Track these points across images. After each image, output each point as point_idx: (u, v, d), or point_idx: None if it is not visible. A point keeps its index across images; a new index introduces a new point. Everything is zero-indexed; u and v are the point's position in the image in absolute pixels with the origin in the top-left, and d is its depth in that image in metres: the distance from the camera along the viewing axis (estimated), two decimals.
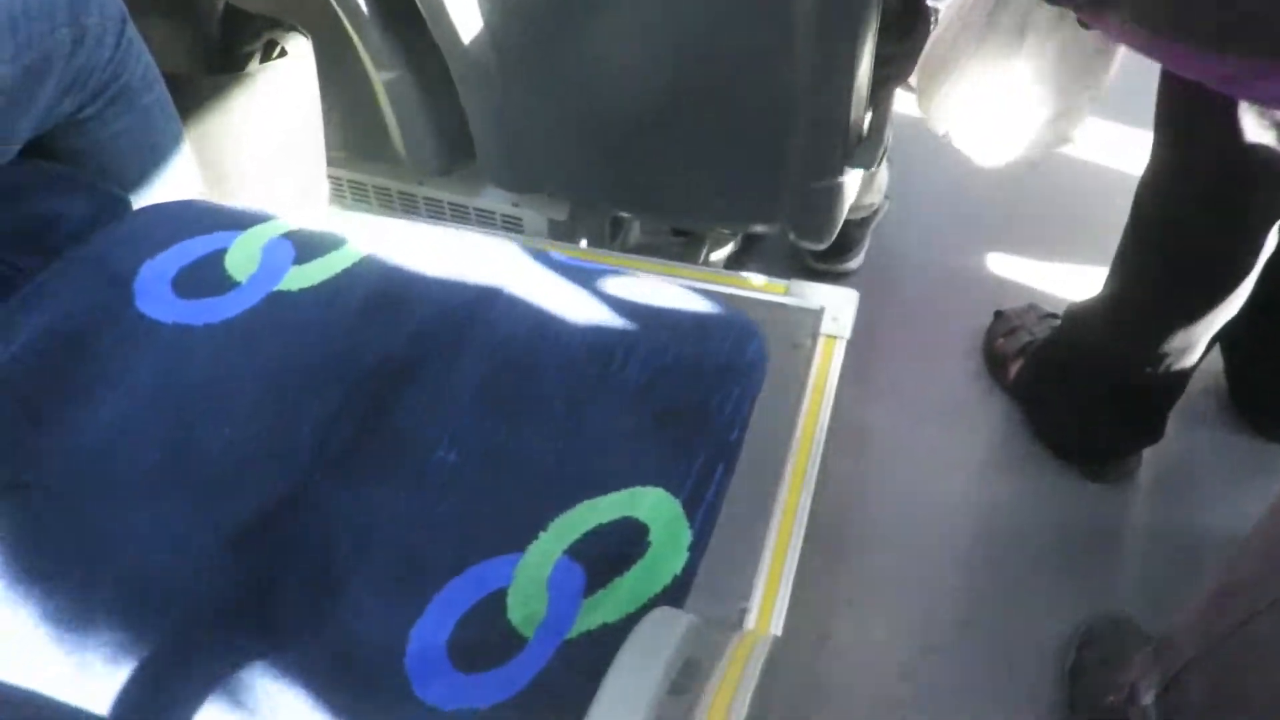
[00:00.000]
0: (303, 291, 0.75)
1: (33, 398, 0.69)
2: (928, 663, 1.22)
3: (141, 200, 0.87)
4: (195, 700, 0.61)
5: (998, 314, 1.50)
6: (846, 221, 1.54)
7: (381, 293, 0.74)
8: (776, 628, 0.86)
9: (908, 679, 1.22)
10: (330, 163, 1.23)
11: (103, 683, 0.61)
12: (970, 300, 1.56)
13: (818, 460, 1.00)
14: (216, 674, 0.61)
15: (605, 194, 1.21)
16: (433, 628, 0.62)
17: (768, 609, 0.90)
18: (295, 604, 0.63)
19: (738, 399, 0.68)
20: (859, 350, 1.09)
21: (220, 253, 0.77)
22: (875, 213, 1.59)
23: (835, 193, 1.09)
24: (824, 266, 1.59)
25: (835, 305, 1.12)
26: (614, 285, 0.77)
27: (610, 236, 1.40)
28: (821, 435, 1.01)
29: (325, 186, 1.21)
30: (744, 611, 0.87)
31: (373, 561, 0.64)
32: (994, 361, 1.46)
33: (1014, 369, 1.42)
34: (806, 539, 0.93)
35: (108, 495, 0.67)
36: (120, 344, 0.72)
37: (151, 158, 0.89)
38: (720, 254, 1.50)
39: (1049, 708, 1.15)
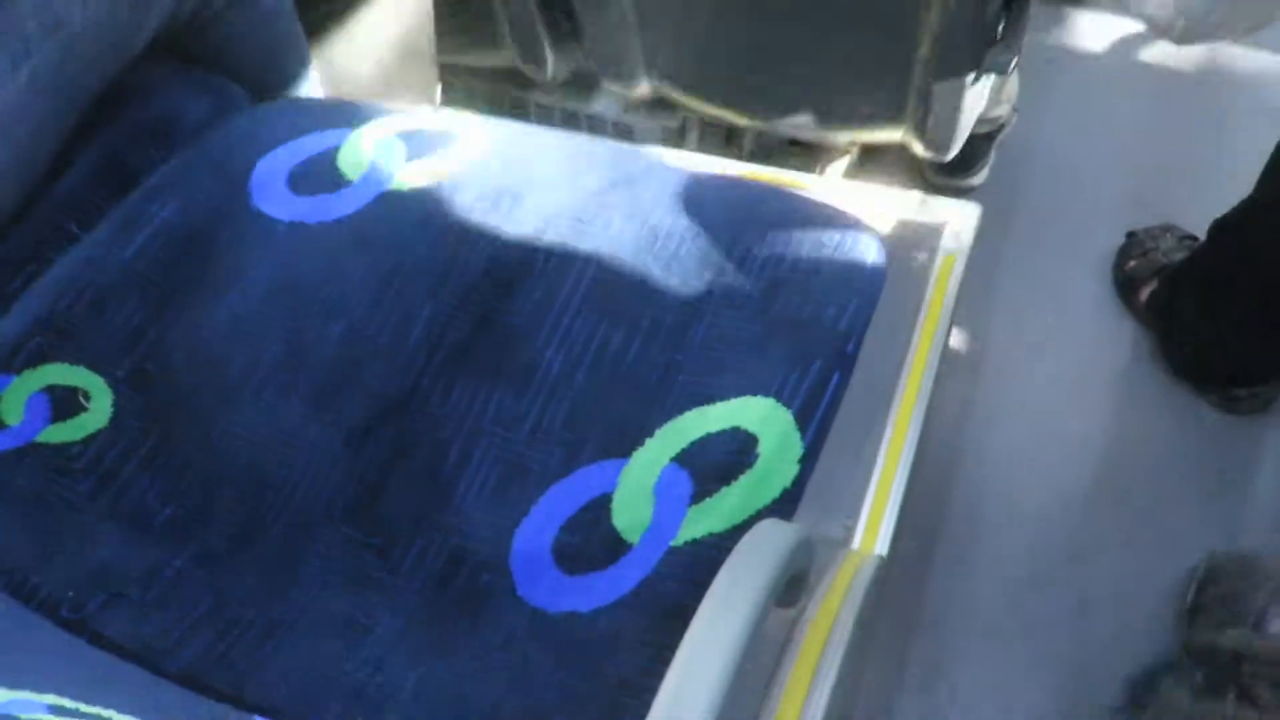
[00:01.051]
0: (414, 191, 0.74)
1: (156, 290, 0.71)
2: (1037, 595, 1.19)
3: (259, 98, 0.87)
4: (311, 591, 0.62)
5: (1130, 235, 1.42)
6: (971, 135, 1.48)
7: (493, 194, 0.73)
8: (882, 548, 0.84)
9: (1015, 611, 1.19)
10: (441, 69, 1.22)
11: (224, 573, 0.63)
12: (1100, 220, 1.48)
13: (931, 380, 0.96)
14: (331, 566, 0.63)
15: (722, 96, 1.17)
16: (537, 530, 0.62)
17: (874, 529, 0.88)
18: (405, 502, 0.64)
19: (855, 310, 0.65)
20: (980, 269, 1.04)
21: (333, 150, 0.77)
22: (1001, 126, 1.51)
23: (963, 100, 1.04)
24: (945, 182, 1.53)
25: (956, 220, 1.07)
26: (729, 192, 0.74)
27: (725, 144, 1.36)
28: (936, 355, 0.98)
29: (437, 90, 1.21)
30: (850, 529, 0.86)
31: (479, 462, 0.64)
32: (1124, 285, 1.39)
33: (1146, 293, 1.34)
34: (916, 460, 0.91)
35: (227, 390, 0.68)
36: (238, 240, 0.73)
37: (269, 57, 0.89)
38: (837, 167, 1.45)
39: (1164, 647, 1.11)
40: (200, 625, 0.60)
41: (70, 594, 0.60)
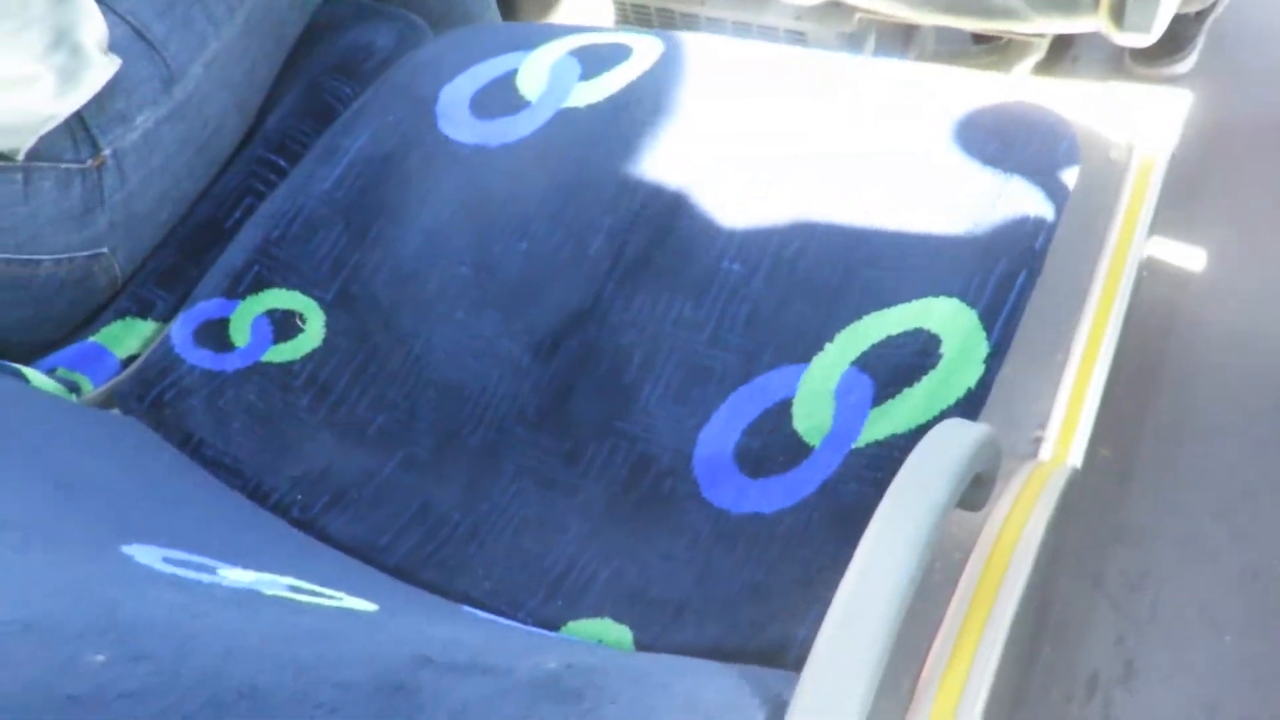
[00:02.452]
0: (590, 108, 0.76)
1: (356, 216, 0.76)
2: (1246, 505, 1.13)
3: (440, 29, 0.91)
4: (507, 495, 0.66)
5: None
6: (1177, 16, 1.36)
7: (668, 106, 0.74)
8: (1075, 459, 0.82)
9: (1222, 520, 1.13)
10: None
11: (429, 478, 0.68)
12: None
13: (1129, 286, 0.91)
14: (526, 468, 0.66)
15: None
16: (719, 434, 0.63)
17: (1066, 439, 0.85)
18: (592, 407, 0.67)
19: (1044, 206, 0.63)
20: (1187, 167, 0.97)
21: (511, 74, 0.79)
22: (1213, 5, 1.39)
23: None
24: (1148, 70, 1.42)
25: (1159, 111, 0.99)
26: (909, 88, 0.72)
27: (904, 46, 1.31)
28: (1135, 258, 0.92)
29: (610, 9, 1.21)
30: (1039, 441, 0.83)
31: (662, 369, 0.66)
32: None
33: None
34: (1113, 371, 0.87)
35: (424, 307, 0.73)
36: (427, 164, 0.77)
37: None
38: (1025, 65, 1.37)
39: None
40: (411, 525, 0.65)
41: (299, 497, 0.66)
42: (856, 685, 0.43)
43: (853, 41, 1.28)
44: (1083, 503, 1.07)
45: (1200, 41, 1.42)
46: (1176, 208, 1.08)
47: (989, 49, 1.35)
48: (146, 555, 0.41)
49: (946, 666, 0.60)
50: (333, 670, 0.29)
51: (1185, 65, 1.43)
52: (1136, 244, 0.93)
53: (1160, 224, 0.92)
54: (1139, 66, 1.42)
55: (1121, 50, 1.45)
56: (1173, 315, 1.26)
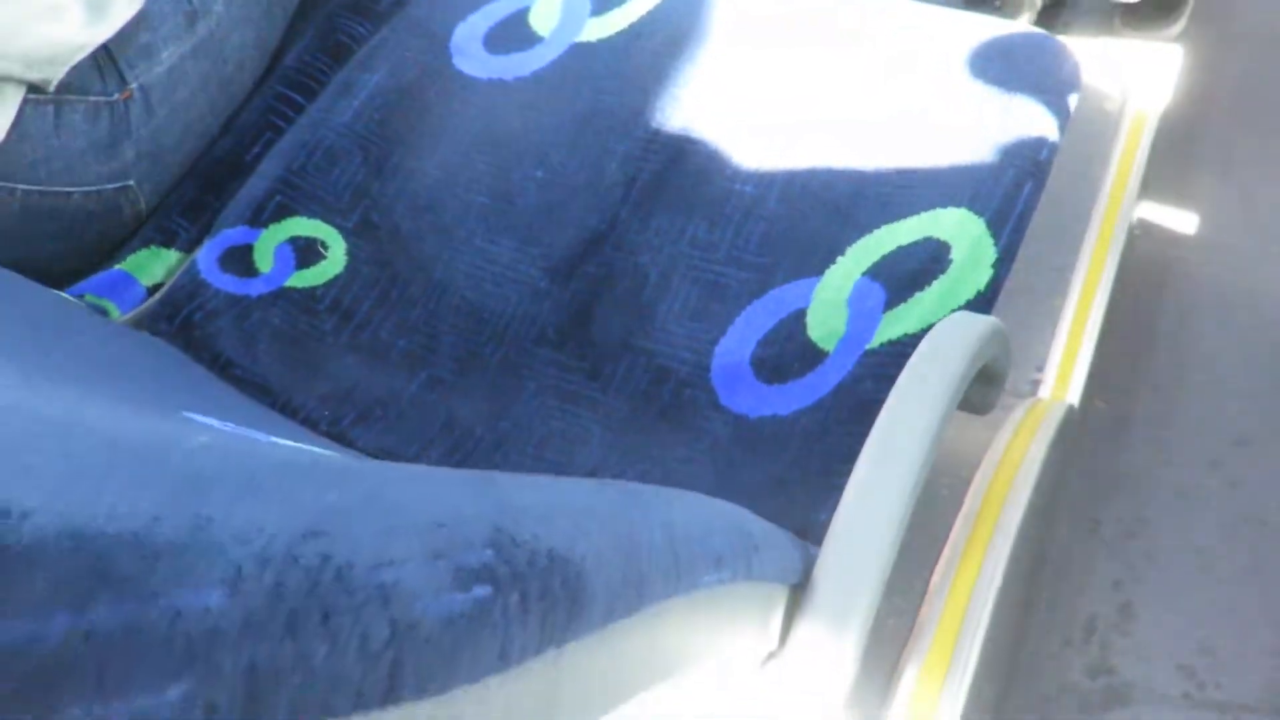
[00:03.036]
0: (601, 41, 0.78)
1: (375, 148, 0.77)
2: (1240, 454, 1.15)
3: None
4: (530, 409, 0.68)
5: None
6: None
7: (677, 37, 0.76)
8: (1072, 397, 0.84)
9: (1216, 469, 1.15)
10: None
11: (453, 395, 0.69)
12: None
13: (1123, 234, 0.94)
14: (548, 385, 0.68)
15: None
16: (736, 345, 0.65)
17: (1063, 380, 0.87)
18: (611, 326, 0.69)
19: (1050, 117, 0.65)
20: (1181, 127, 0.99)
21: (524, 10, 0.81)
22: None
23: None
24: (1139, 33, 1.44)
25: (1151, 65, 1.02)
26: (919, 26, 0.74)
27: None
28: (1129, 208, 0.95)
29: None
30: (1037, 382, 0.85)
31: (679, 284, 0.68)
32: None
33: None
34: (1109, 317, 0.89)
35: (443, 235, 0.75)
36: (443, 99, 0.78)
37: None
38: (1022, 22, 1.40)
39: None
40: (437, 438, 0.67)
41: (326, 412, 0.68)
42: (877, 545, 0.45)
43: None
44: (1081, 452, 1.09)
45: (1190, 5, 1.44)
46: (1169, 167, 1.10)
47: (985, 7, 1.37)
48: (205, 421, 0.42)
49: (957, 569, 0.62)
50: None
51: (1175, 28, 1.45)
52: (1130, 192, 0.95)
53: (1153, 182, 0.94)
54: (1130, 30, 1.45)
55: (1113, 12, 1.48)
56: (1167, 271, 1.29)
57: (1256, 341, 1.21)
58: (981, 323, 0.53)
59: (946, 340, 0.51)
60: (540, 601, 0.24)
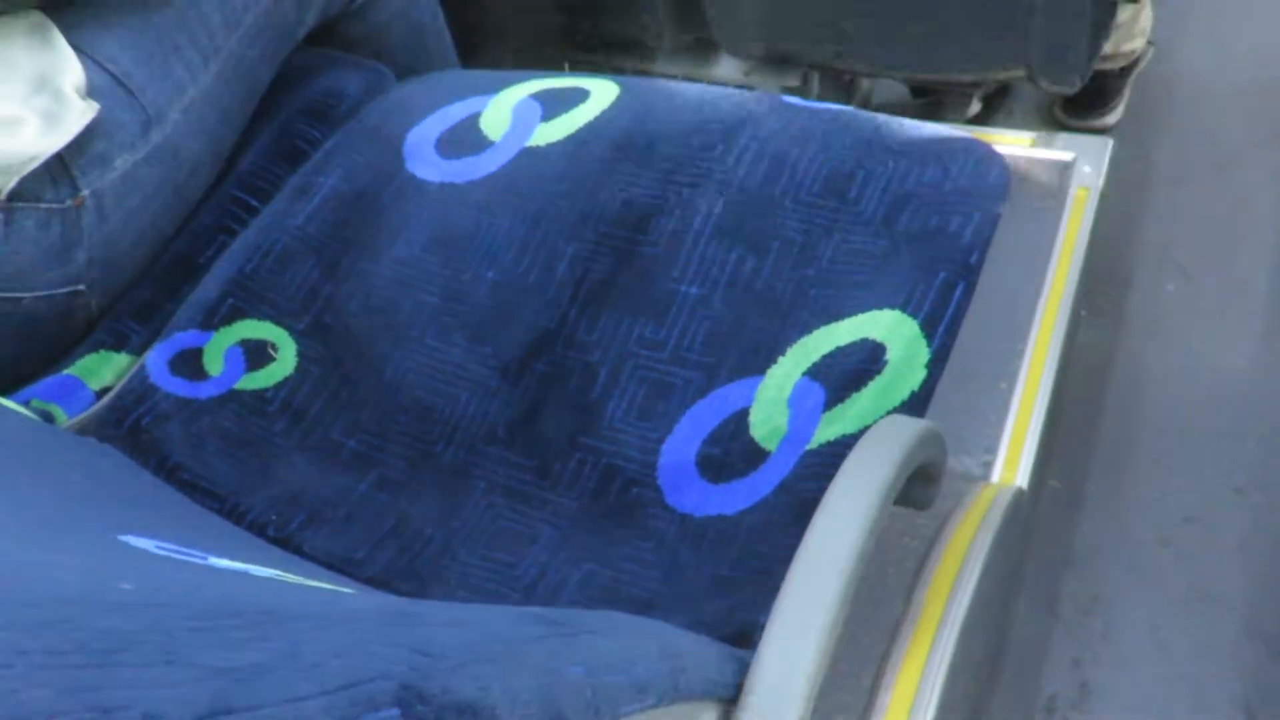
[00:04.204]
0: (551, 145, 0.80)
1: (328, 250, 0.79)
2: (1188, 530, 1.17)
3: (405, 76, 0.95)
4: (479, 508, 0.69)
5: None
6: (1104, 71, 1.44)
7: (625, 141, 0.78)
8: (1021, 480, 0.85)
9: (1166, 545, 1.17)
10: (566, 47, 1.28)
11: (403, 495, 0.70)
12: (1250, 156, 1.42)
13: (1066, 319, 0.96)
14: (498, 483, 0.69)
15: (839, 48, 1.19)
16: (682, 444, 0.66)
17: (1013, 461, 0.89)
18: (559, 424, 0.70)
19: (979, 222, 0.67)
20: (1118, 209, 1.03)
21: (476, 116, 0.83)
22: (1136, 60, 1.47)
23: (1089, 26, 1.03)
24: (1078, 123, 1.50)
25: (1087, 154, 1.06)
26: (850, 123, 0.77)
27: (847, 99, 1.38)
28: (1071, 292, 0.98)
29: (565, 69, 1.27)
30: (989, 465, 0.87)
31: (626, 383, 0.69)
32: None
33: None
34: (1059, 406, 0.91)
35: (395, 334, 0.76)
36: (396, 202, 0.80)
37: (416, 37, 0.97)
38: (961, 116, 1.45)
39: None
40: (386, 540, 0.67)
41: (274, 516, 0.68)
42: (809, 653, 0.45)
43: (799, 95, 1.34)
44: (1036, 531, 1.10)
45: (1126, 95, 1.50)
46: (1109, 245, 1.14)
47: (927, 102, 1.42)
48: (141, 544, 0.43)
49: (903, 663, 0.63)
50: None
51: (1113, 117, 1.51)
52: (1072, 278, 0.98)
53: (1096, 267, 0.97)
54: (1069, 119, 1.50)
55: (1053, 102, 1.53)
56: (1113, 353, 1.32)
57: (1199, 421, 1.24)
58: (914, 426, 0.55)
59: (879, 444, 0.53)
60: None
